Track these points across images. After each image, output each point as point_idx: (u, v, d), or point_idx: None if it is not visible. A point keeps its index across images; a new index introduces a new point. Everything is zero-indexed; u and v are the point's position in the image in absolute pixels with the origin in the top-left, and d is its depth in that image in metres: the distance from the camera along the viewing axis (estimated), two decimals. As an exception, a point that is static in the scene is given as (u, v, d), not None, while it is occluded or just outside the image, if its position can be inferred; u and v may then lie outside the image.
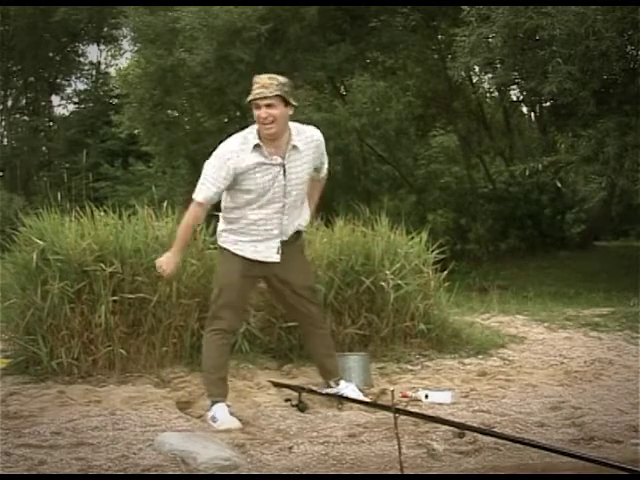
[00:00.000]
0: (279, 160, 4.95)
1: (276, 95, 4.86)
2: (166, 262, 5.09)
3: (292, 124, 5.06)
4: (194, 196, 5.01)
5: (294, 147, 4.99)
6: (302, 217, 5.23)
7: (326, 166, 5.34)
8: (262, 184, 4.93)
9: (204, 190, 4.96)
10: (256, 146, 4.91)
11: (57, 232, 5.98)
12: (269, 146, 4.93)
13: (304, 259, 5.47)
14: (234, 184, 4.93)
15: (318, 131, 5.21)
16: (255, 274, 5.18)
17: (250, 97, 4.90)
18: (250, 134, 4.96)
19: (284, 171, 4.96)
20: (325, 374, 5.45)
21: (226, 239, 5.12)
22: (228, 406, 4.98)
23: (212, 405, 4.98)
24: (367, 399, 5.34)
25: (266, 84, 4.88)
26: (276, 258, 5.08)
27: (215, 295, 5.17)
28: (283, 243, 5.08)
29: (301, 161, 5.02)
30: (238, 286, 5.10)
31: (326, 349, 5.44)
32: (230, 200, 5.04)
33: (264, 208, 4.98)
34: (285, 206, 5.02)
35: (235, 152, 4.91)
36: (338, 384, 5.38)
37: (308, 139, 5.09)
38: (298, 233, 5.23)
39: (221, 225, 5.19)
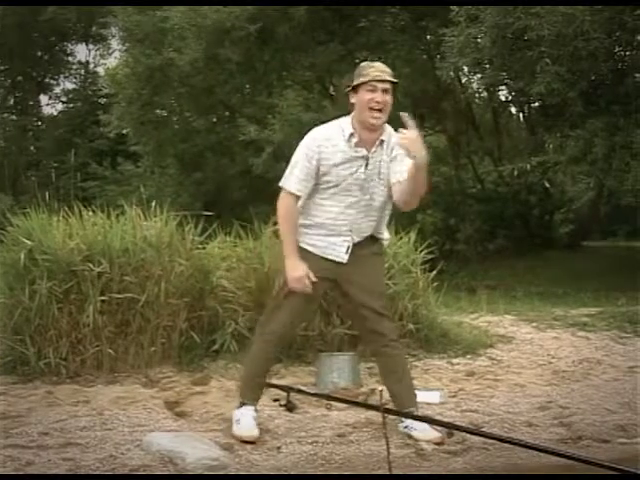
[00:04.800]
0: (364, 152, 4.60)
1: (393, 82, 4.60)
2: (293, 274, 4.60)
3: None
4: (281, 184, 4.64)
5: (382, 142, 4.65)
6: (381, 226, 4.84)
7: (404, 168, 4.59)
8: (342, 175, 4.59)
9: (292, 178, 4.60)
10: (351, 135, 4.59)
11: (45, 232, 5.96)
12: (359, 137, 4.60)
13: (379, 268, 4.99)
14: (319, 173, 4.59)
15: None
16: (324, 275, 4.67)
17: (367, 78, 4.55)
18: (344, 121, 4.65)
19: (366, 164, 4.61)
20: (395, 402, 4.82)
21: (299, 234, 4.69)
22: (256, 411, 4.81)
23: (241, 406, 4.81)
24: (436, 434, 4.73)
25: (384, 69, 4.61)
26: (343, 258, 4.66)
27: (276, 292, 4.80)
28: (356, 246, 4.68)
29: (384, 158, 4.65)
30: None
31: (396, 373, 4.84)
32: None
33: (337, 200, 4.62)
34: (360, 202, 4.63)
35: (326, 138, 4.62)
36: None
37: (395, 143, 4.63)
38: (374, 239, 4.82)
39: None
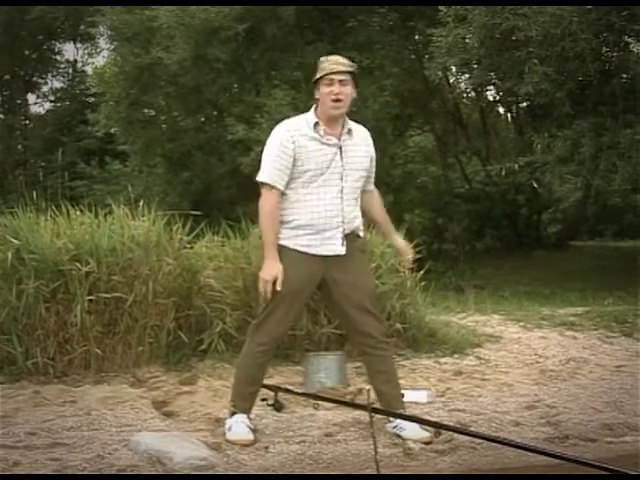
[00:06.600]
0: (334, 140, 4.60)
1: (350, 72, 4.62)
2: (267, 273, 4.51)
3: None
4: (260, 179, 4.57)
5: (349, 131, 4.68)
6: (359, 217, 4.76)
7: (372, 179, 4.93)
8: (320, 163, 4.55)
9: (271, 171, 4.54)
10: (315, 124, 4.59)
11: (32, 231, 5.95)
12: (326, 126, 4.60)
13: (364, 265, 4.94)
14: (294, 164, 4.53)
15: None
16: (315, 276, 4.63)
17: (323, 72, 4.58)
18: (308, 114, 4.66)
19: (340, 152, 4.60)
20: (382, 403, 4.71)
21: (285, 235, 4.58)
22: (249, 419, 4.72)
23: (232, 415, 4.70)
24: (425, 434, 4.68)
25: (339, 61, 4.66)
26: (341, 250, 4.59)
27: (265, 300, 4.61)
28: (344, 238, 4.63)
29: (355, 147, 4.69)
30: (297, 292, 4.58)
31: (384, 374, 4.76)
32: (287, 187, 4.58)
33: (323, 192, 4.56)
34: (343, 190, 4.60)
35: (295, 129, 4.59)
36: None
37: (362, 133, 4.81)
38: (355, 235, 4.73)
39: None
